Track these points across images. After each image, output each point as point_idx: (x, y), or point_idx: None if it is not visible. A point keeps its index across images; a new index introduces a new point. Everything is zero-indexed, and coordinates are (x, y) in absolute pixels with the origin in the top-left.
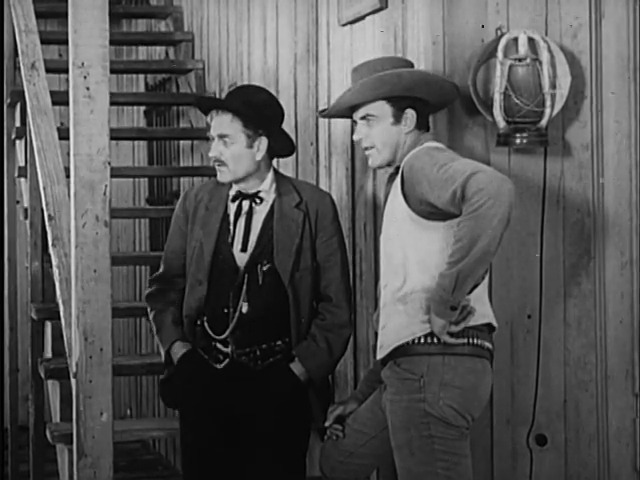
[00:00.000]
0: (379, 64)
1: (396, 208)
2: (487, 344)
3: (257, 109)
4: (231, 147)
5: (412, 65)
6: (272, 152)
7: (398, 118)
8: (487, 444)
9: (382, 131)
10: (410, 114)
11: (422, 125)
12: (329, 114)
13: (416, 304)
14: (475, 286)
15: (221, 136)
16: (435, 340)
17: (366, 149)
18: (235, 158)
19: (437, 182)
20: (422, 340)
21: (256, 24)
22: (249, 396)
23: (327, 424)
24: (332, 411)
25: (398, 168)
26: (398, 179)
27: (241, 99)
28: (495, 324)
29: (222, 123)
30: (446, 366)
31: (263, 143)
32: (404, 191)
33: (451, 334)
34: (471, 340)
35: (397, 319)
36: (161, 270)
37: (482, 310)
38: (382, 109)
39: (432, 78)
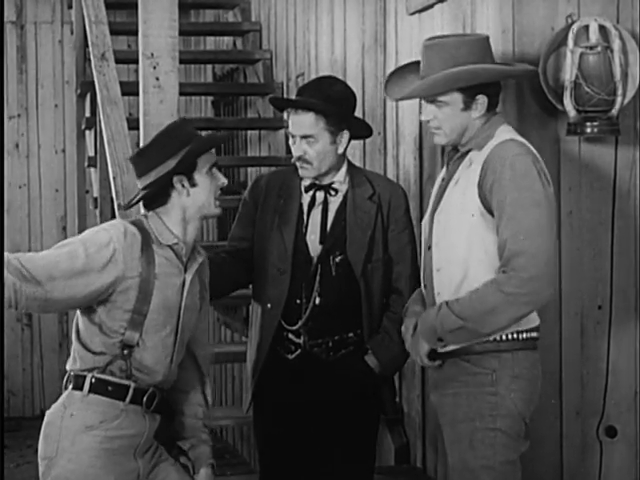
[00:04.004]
0: (453, 47)
1: (467, 201)
2: (536, 334)
3: (338, 104)
4: (315, 146)
5: (487, 42)
6: (351, 138)
7: (469, 104)
8: (557, 436)
9: (451, 116)
10: (481, 100)
11: (492, 106)
12: (400, 99)
13: None
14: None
15: (304, 136)
16: (505, 337)
17: (433, 128)
18: (320, 156)
19: (503, 213)
20: (492, 338)
21: (323, 13)
22: (321, 387)
23: None
24: None
25: (468, 152)
26: (477, 169)
27: (321, 96)
28: None
29: (304, 123)
30: (515, 360)
31: (345, 136)
32: (481, 185)
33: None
34: (531, 334)
35: None
36: None
37: None
38: (453, 97)
39: (509, 72)
